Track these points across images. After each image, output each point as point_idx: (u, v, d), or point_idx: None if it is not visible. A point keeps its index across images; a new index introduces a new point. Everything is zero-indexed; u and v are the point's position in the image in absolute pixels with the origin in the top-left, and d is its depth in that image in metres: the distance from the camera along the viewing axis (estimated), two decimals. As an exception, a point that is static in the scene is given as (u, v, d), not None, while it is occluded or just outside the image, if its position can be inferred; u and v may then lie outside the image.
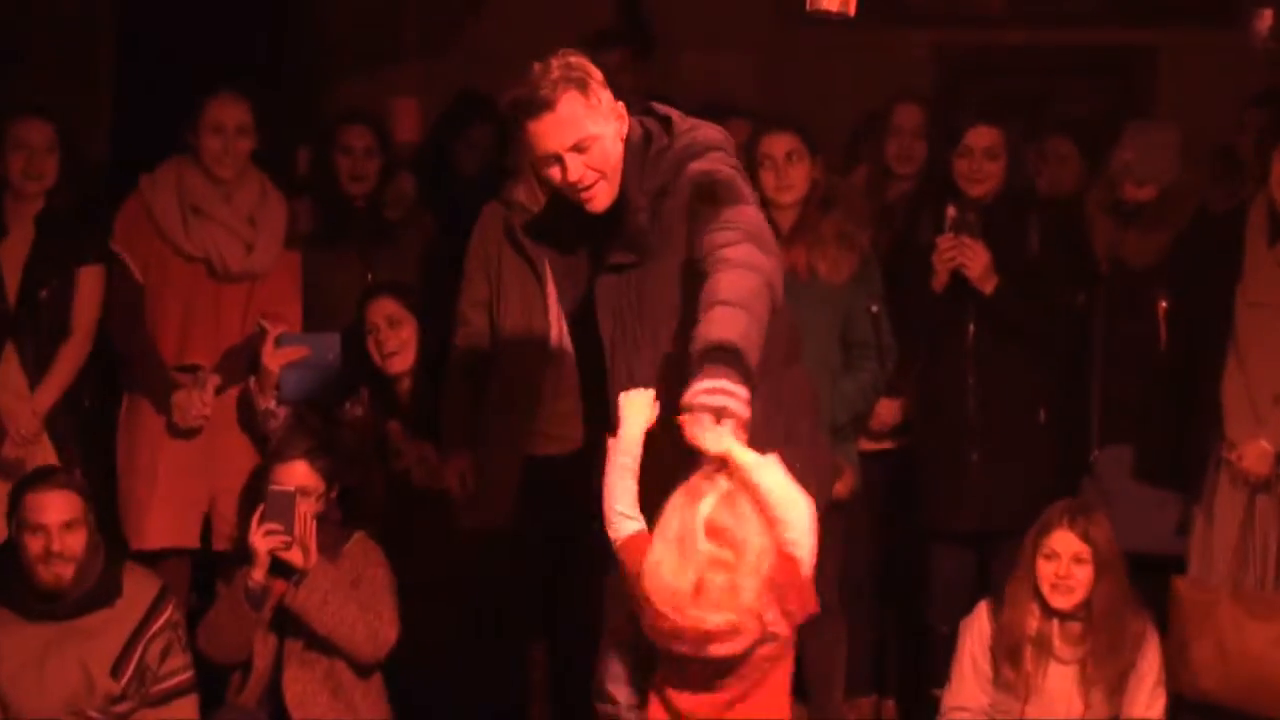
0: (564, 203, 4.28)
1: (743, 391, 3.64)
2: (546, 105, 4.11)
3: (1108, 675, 5.29)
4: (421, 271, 6.26)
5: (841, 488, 5.56)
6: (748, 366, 3.68)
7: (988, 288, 5.80)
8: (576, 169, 4.14)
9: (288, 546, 5.24)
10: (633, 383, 4.10)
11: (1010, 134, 5.96)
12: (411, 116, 6.95)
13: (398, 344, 5.83)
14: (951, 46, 8.13)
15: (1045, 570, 5.27)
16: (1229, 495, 5.66)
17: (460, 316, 5.83)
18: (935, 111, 6.56)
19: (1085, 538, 5.26)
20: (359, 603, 5.29)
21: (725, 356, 3.67)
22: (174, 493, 5.85)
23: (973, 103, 6.71)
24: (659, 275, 4.16)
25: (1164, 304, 5.94)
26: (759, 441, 3.79)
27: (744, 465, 3.60)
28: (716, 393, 3.63)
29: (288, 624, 5.31)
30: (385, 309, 5.86)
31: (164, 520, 5.83)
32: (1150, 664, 5.35)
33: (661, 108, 4.29)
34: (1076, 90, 7.91)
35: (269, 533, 5.24)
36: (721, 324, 3.72)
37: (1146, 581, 5.56)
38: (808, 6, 4.34)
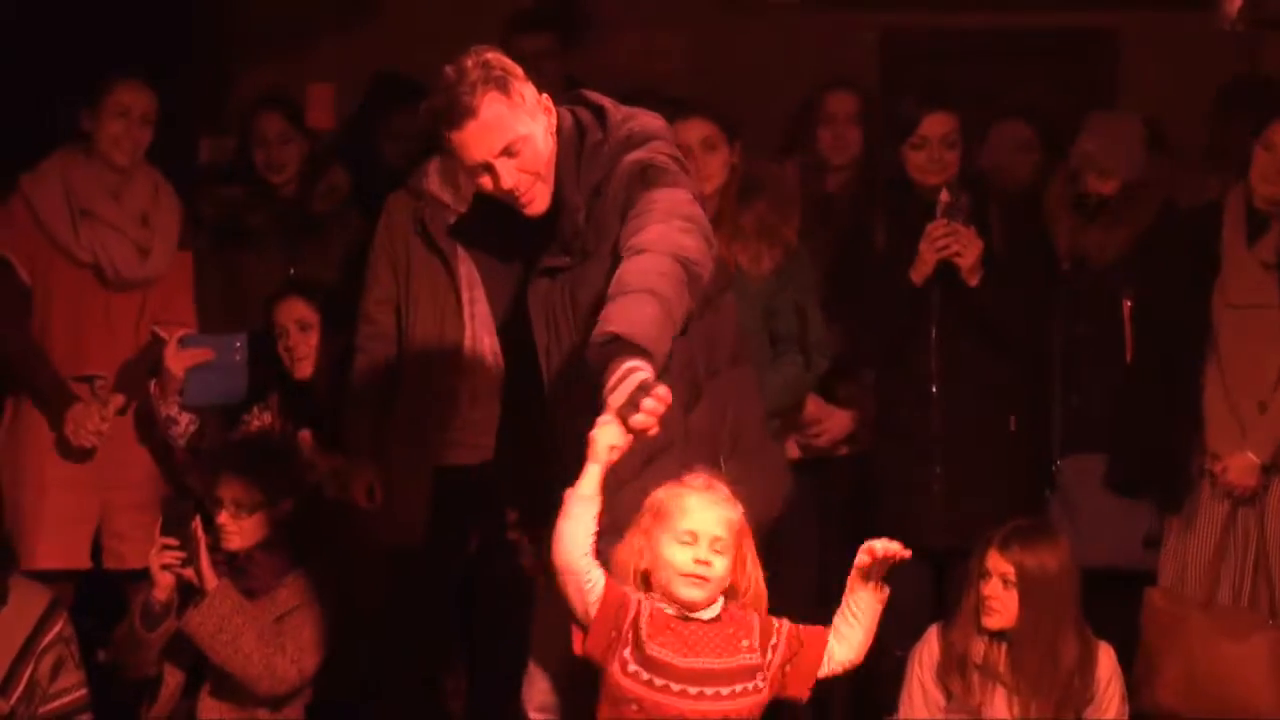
0: (490, 201, 4.15)
1: (642, 363, 3.60)
2: (469, 112, 3.97)
3: (1042, 704, 5.12)
4: (345, 269, 6.07)
5: None
6: (641, 348, 3.62)
7: (974, 280, 5.66)
8: (510, 175, 4.01)
9: (183, 564, 5.04)
10: (569, 393, 4.02)
11: (964, 121, 5.85)
12: (326, 101, 6.66)
13: (308, 349, 5.68)
14: (900, 30, 7.96)
15: (984, 590, 5.15)
16: (1210, 507, 5.59)
17: (365, 316, 5.70)
18: (874, 99, 6.45)
19: (1012, 560, 5.10)
20: (259, 634, 5.06)
21: (615, 350, 3.62)
22: (63, 510, 5.67)
23: (919, 89, 6.45)
24: (594, 276, 4.01)
25: (1129, 303, 5.80)
26: (705, 452, 3.92)
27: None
28: (625, 376, 3.58)
29: (202, 646, 5.19)
30: (295, 311, 5.71)
31: (52, 540, 5.65)
32: (1112, 694, 5.19)
33: (593, 96, 4.18)
34: (1032, 77, 7.73)
35: (165, 548, 5.06)
36: (611, 317, 3.65)
37: (1114, 597, 5.48)
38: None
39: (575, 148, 4.08)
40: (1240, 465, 5.49)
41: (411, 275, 5.58)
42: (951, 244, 5.60)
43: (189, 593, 5.07)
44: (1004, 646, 5.15)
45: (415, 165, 5.93)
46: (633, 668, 3.71)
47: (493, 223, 4.20)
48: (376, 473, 5.57)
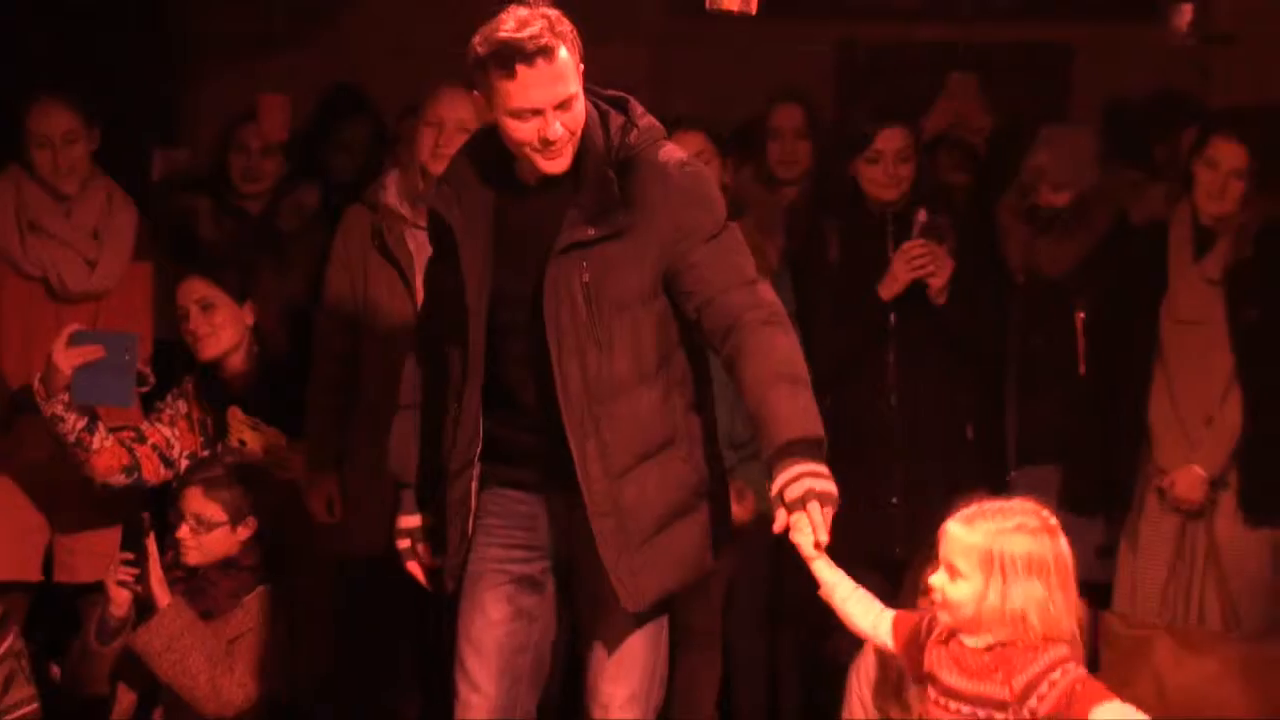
0: (469, 180, 4.16)
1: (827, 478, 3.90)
2: (545, 53, 3.95)
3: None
4: (310, 287, 6.00)
5: (742, 511, 5.45)
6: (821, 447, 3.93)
7: (943, 299, 5.63)
8: (558, 126, 4.00)
9: (137, 580, 5.02)
10: (585, 376, 4.06)
11: (917, 134, 5.86)
12: (280, 113, 6.61)
13: (209, 328, 5.46)
14: (854, 43, 8.02)
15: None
16: (1158, 522, 5.62)
17: (321, 328, 5.62)
18: (823, 111, 6.48)
19: None
20: (208, 656, 5.02)
21: (813, 448, 3.91)
22: (13, 522, 5.61)
23: (873, 103, 6.47)
24: (625, 258, 4.05)
25: (1082, 315, 5.82)
26: (707, 451, 4.25)
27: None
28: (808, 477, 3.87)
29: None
30: (195, 291, 5.48)
31: (2, 552, 5.59)
32: None
33: (609, 91, 4.20)
34: (985, 90, 7.63)
35: (123, 563, 5.04)
36: (806, 413, 3.95)
37: None
38: (708, 5, 4.34)
39: (602, 127, 4.09)
40: (1187, 480, 5.51)
41: (368, 287, 5.52)
42: (927, 264, 5.59)
43: (146, 609, 5.04)
44: None
45: (364, 178, 5.92)
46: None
47: (469, 202, 4.17)
48: (336, 486, 5.52)
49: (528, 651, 4.31)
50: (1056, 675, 3.68)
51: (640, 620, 4.21)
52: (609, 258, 4.04)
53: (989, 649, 3.72)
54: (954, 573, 3.75)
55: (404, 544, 4.42)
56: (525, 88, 3.95)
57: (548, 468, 4.17)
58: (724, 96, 7.06)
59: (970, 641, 3.75)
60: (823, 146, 6.27)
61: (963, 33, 7.60)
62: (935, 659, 3.80)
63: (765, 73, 7.17)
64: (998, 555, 3.70)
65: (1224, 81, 7.20)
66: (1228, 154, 5.51)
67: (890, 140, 5.69)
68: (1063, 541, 3.74)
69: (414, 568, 4.42)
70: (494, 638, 4.26)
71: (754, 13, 4.54)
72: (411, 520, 4.42)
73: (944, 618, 3.78)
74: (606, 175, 4.05)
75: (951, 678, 3.76)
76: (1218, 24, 7.10)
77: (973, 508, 3.80)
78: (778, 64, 7.36)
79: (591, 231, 4.03)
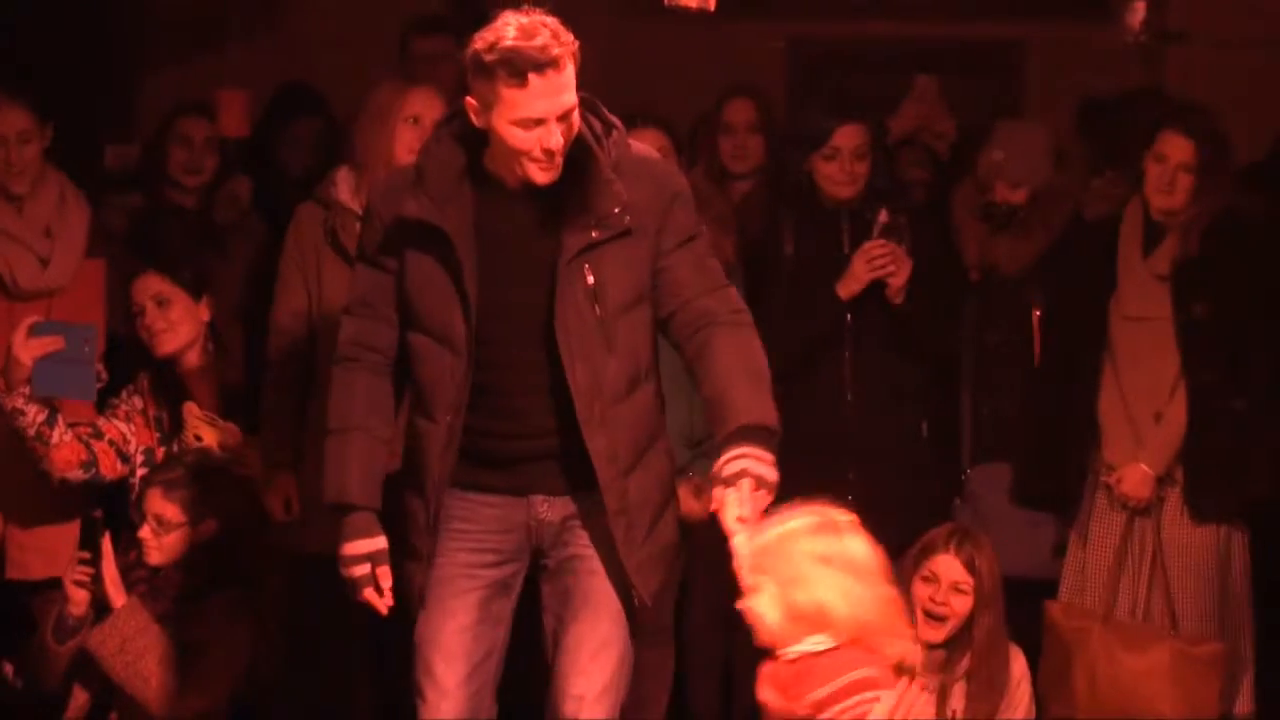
0: (445, 185, 4.13)
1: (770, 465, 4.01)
2: (554, 64, 3.97)
3: (980, 710, 5.10)
4: (250, 282, 6.01)
5: (700, 508, 5.33)
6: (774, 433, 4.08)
7: (900, 299, 5.67)
8: (558, 137, 4.02)
9: (92, 580, 4.98)
10: (594, 378, 4.11)
11: (874, 131, 5.89)
12: (240, 108, 6.59)
13: (165, 324, 5.42)
14: (807, 39, 8.03)
15: (921, 594, 5.06)
16: (1106, 518, 5.60)
17: (276, 327, 5.56)
18: (775, 106, 6.48)
19: (970, 566, 5.05)
20: (161, 659, 4.97)
21: (763, 436, 4.03)
22: None
23: (828, 100, 6.48)
24: (624, 258, 4.12)
25: (1038, 313, 5.84)
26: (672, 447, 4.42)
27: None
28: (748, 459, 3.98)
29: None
30: (151, 287, 5.43)
31: None
32: (1021, 694, 5.20)
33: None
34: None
35: (80, 562, 5.00)
36: (763, 404, 4.08)
37: (1023, 607, 5.46)
38: (665, 2, 4.40)
39: (591, 131, 4.11)
40: (1135, 477, 5.50)
41: (323, 285, 5.47)
42: (888, 263, 5.61)
43: (105, 609, 4.99)
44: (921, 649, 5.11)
45: (316, 174, 5.86)
46: None
47: (452, 203, 4.16)
48: (293, 484, 5.49)
49: (494, 655, 4.33)
50: (852, 702, 3.59)
51: (615, 615, 4.24)
52: (609, 260, 4.09)
53: (794, 660, 3.63)
54: (748, 589, 3.67)
55: (363, 570, 4.33)
56: (533, 98, 3.96)
57: (543, 471, 4.21)
58: (675, 94, 7.05)
59: (784, 654, 3.65)
60: (775, 142, 6.27)
61: (915, 30, 7.66)
62: (762, 675, 3.71)
63: (717, 70, 7.17)
64: (780, 557, 3.66)
65: (1177, 79, 7.24)
66: (1176, 148, 5.49)
67: (848, 137, 5.72)
68: (852, 539, 3.71)
69: (372, 595, 4.34)
70: (462, 642, 4.27)
71: (712, 9, 4.56)
72: (366, 545, 4.34)
73: (757, 639, 3.68)
74: (609, 178, 4.07)
75: (767, 694, 3.68)
76: (1171, 21, 7.15)
77: (758, 524, 3.81)
78: (728, 61, 7.38)
79: (595, 234, 4.07)
